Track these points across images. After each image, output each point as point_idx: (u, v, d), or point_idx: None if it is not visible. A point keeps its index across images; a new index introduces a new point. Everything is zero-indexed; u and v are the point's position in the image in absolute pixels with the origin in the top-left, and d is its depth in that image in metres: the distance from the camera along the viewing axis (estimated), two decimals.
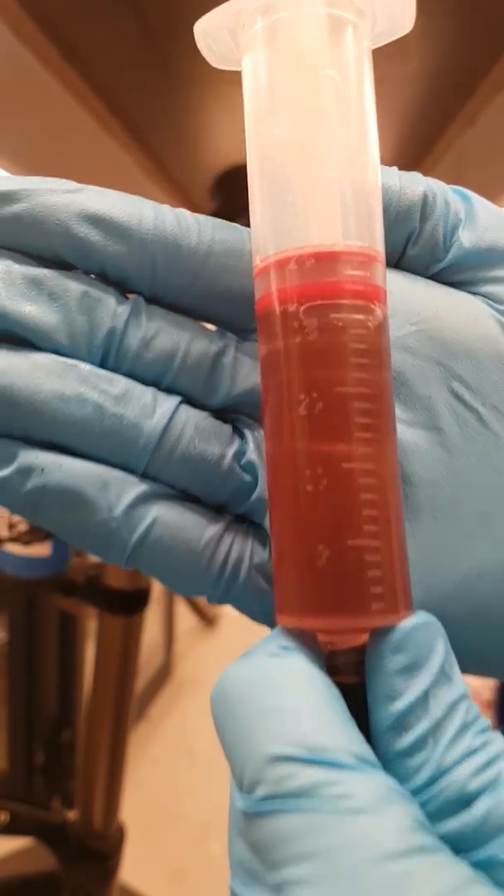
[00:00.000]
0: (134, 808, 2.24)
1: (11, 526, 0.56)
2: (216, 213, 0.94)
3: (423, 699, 0.14)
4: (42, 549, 0.57)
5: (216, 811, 2.12)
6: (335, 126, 0.16)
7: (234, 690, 0.15)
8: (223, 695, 0.15)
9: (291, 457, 0.16)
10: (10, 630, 2.05)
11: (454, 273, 0.20)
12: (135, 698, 0.67)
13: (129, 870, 0.71)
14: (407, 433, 0.18)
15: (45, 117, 1.69)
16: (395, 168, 0.20)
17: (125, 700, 0.65)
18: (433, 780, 0.14)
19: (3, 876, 0.76)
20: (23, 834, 0.70)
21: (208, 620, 3.48)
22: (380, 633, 0.15)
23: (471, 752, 0.14)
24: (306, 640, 0.15)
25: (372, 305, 0.16)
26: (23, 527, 0.56)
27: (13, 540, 0.56)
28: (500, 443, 0.19)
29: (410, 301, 0.19)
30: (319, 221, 0.16)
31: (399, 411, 0.18)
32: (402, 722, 0.14)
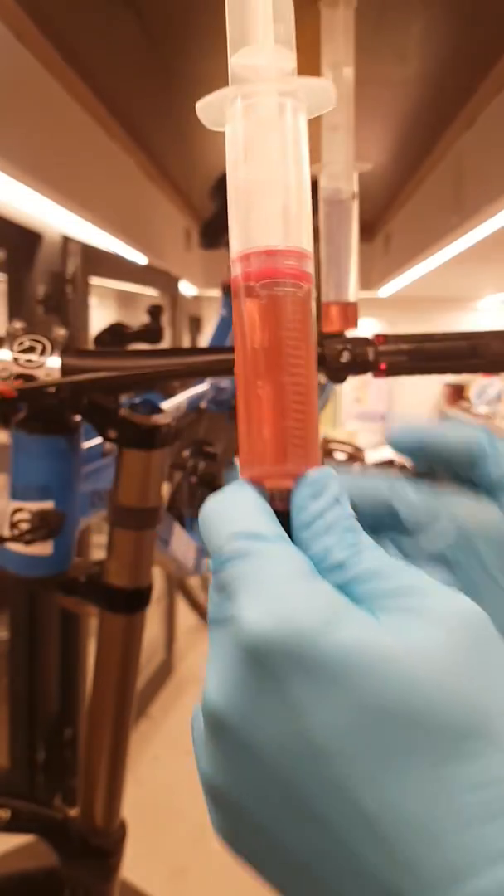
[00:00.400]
0: (135, 806, 2.25)
1: (13, 525, 0.57)
2: (216, 215, 0.94)
3: (319, 512, 0.24)
4: (44, 548, 0.57)
5: None
6: (280, 170, 0.26)
7: (208, 508, 0.25)
8: (203, 512, 0.25)
9: (250, 373, 0.26)
10: (11, 628, 2.06)
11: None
12: (136, 696, 0.67)
13: (130, 867, 0.71)
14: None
15: (48, 120, 1.69)
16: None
17: (126, 698, 0.65)
18: (321, 555, 0.23)
19: (4, 873, 0.77)
20: (24, 831, 0.70)
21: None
22: (299, 478, 0.25)
23: (346, 541, 0.23)
24: (256, 486, 0.25)
25: (301, 283, 0.26)
26: (24, 525, 0.56)
27: (15, 538, 0.56)
28: None
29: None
30: (269, 231, 0.26)
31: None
32: (308, 523, 0.24)
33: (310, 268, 0.26)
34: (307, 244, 0.26)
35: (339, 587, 0.22)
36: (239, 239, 0.26)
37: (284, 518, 0.25)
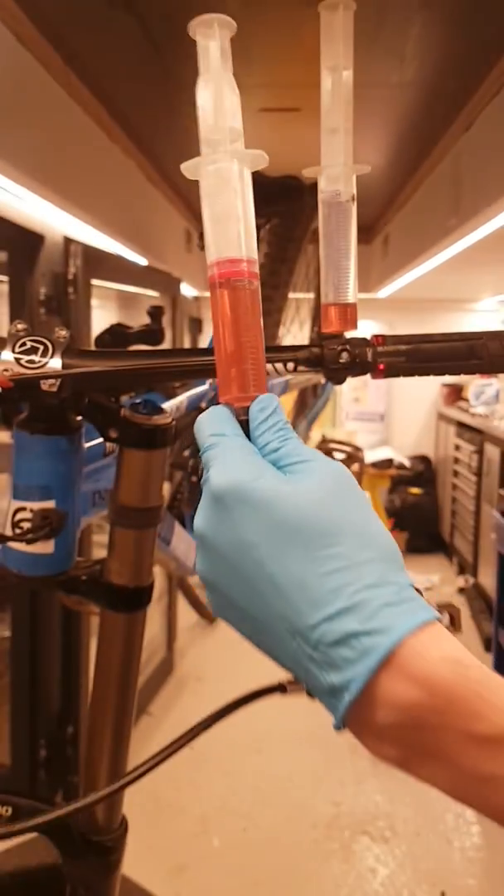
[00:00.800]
0: (135, 803, 2.26)
1: (15, 524, 0.57)
2: None
3: (266, 420, 0.40)
4: (45, 547, 0.58)
5: (216, 806, 2.12)
6: (236, 208, 0.42)
7: (199, 419, 0.41)
8: (196, 422, 0.41)
9: (222, 336, 0.42)
10: (13, 627, 2.06)
11: None
12: (136, 694, 0.67)
13: (130, 863, 0.72)
14: None
15: (50, 123, 1.70)
16: None
17: (127, 696, 0.65)
18: (263, 444, 0.39)
19: (5, 870, 0.77)
20: (26, 829, 0.70)
21: (209, 618, 3.48)
22: (255, 400, 0.41)
23: (277, 436, 0.39)
24: (227, 406, 0.42)
25: (253, 280, 0.42)
26: (26, 525, 0.57)
27: (17, 537, 0.56)
28: None
29: None
30: (231, 245, 0.42)
31: None
32: (259, 428, 0.40)
33: (256, 269, 0.42)
34: (254, 254, 0.42)
35: (272, 462, 0.38)
36: (213, 250, 0.42)
37: (245, 425, 0.41)
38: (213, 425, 0.40)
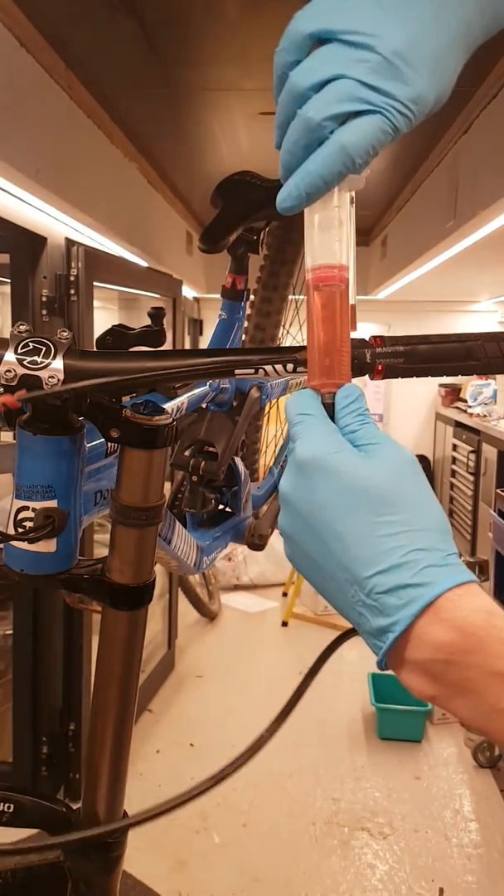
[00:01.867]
0: (136, 799, 2.26)
1: (18, 523, 0.58)
2: (217, 220, 0.94)
3: (349, 405, 0.47)
4: (48, 546, 0.58)
5: (217, 802, 2.13)
6: (335, 220, 0.48)
7: (289, 401, 0.48)
8: (286, 403, 0.48)
9: (313, 331, 0.49)
10: (16, 625, 2.07)
11: None
12: (138, 691, 0.68)
13: (132, 859, 0.73)
14: None
15: (52, 127, 1.71)
16: None
17: (129, 693, 0.66)
18: (344, 426, 0.46)
19: (7, 867, 0.77)
20: (28, 825, 0.71)
21: (209, 616, 3.49)
22: (342, 387, 0.48)
23: (357, 420, 0.46)
24: (315, 390, 0.48)
25: (342, 284, 0.48)
26: (29, 524, 0.57)
27: (19, 536, 0.57)
28: None
29: None
30: (331, 254, 0.48)
31: None
32: (343, 411, 0.46)
33: (347, 274, 0.48)
34: (347, 261, 0.48)
35: (350, 441, 0.44)
36: (314, 257, 0.48)
37: (328, 408, 0.47)
38: (301, 406, 0.46)
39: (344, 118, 0.43)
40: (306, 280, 0.49)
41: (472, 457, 3.88)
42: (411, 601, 0.38)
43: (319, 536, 0.42)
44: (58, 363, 0.54)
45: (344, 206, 0.47)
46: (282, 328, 1.40)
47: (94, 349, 0.63)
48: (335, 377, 0.48)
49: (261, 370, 0.53)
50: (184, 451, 1.10)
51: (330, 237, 0.47)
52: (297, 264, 1.34)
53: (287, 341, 1.48)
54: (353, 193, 0.58)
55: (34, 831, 0.77)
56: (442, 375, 0.57)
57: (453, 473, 4.36)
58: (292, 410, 0.47)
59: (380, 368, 0.56)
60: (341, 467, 0.42)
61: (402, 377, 0.61)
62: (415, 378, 0.62)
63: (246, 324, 1.28)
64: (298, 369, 0.54)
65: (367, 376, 0.59)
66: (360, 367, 0.55)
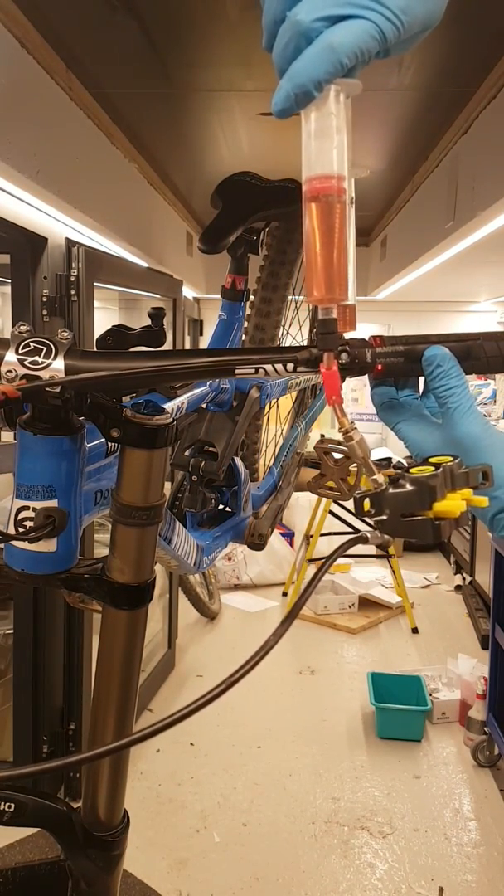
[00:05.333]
0: (137, 798, 2.27)
1: (18, 523, 0.58)
2: (216, 221, 0.95)
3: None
4: (48, 546, 0.59)
5: (217, 801, 2.14)
6: (331, 128, 0.46)
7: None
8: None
9: (311, 240, 0.47)
10: (16, 624, 2.07)
11: None
12: (138, 690, 0.68)
13: (132, 858, 0.73)
14: None
15: (53, 128, 1.71)
16: None
17: (129, 692, 0.66)
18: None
19: (8, 865, 0.77)
20: (28, 825, 0.71)
21: (209, 615, 3.49)
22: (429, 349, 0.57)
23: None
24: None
25: (342, 196, 0.46)
26: (29, 524, 0.58)
27: (20, 536, 0.57)
28: None
29: None
30: (326, 163, 0.46)
31: None
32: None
33: (345, 185, 0.46)
34: (346, 171, 0.46)
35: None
36: (309, 167, 0.46)
37: (335, 339, 0.49)
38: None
39: (333, 22, 0.43)
40: (304, 192, 0.47)
41: None
42: None
43: None
44: (58, 363, 0.54)
45: (340, 114, 0.46)
46: (282, 328, 1.40)
47: (95, 349, 0.63)
48: (335, 293, 0.47)
49: (261, 370, 0.53)
50: (184, 450, 1.10)
51: (326, 145, 0.45)
52: (296, 264, 1.34)
53: (287, 341, 1.48)
54: (353, 194, 0.58)
55: (35, 830, 0.77)
56: None
57: None
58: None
59: (380, 368, 0.57)
60: None
61: (402, 377, 0.62)
62: (415, 378, 0.62)
63: (246, 324, 1.29)
64: (299, 369, 0.54)
65: (366, 376, 0.59)
66: (361, 367, 0.55)
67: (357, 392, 5.12)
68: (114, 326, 0.77)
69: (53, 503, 0.57)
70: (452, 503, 0.47)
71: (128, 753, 0.69)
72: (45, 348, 0.54)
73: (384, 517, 0.49)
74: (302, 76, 0.44)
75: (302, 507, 4.29)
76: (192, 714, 0.47)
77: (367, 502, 0.50)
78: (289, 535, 4.49)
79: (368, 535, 0.52)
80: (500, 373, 0.58)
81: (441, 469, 0.48)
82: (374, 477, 0.51)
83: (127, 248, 2.34)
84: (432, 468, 0.48)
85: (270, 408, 1.43)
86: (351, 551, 3.39)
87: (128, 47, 1.50)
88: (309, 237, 0.47)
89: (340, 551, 0.54)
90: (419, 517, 0.48)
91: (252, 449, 1.38)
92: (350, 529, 3.69)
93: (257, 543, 1.15)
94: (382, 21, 0.43)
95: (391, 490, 0.49)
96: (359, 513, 0.50)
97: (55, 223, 1.89)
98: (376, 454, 4.54)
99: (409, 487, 0.48)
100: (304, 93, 0.44)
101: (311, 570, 4.05)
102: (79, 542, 0.62)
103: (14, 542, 0.58)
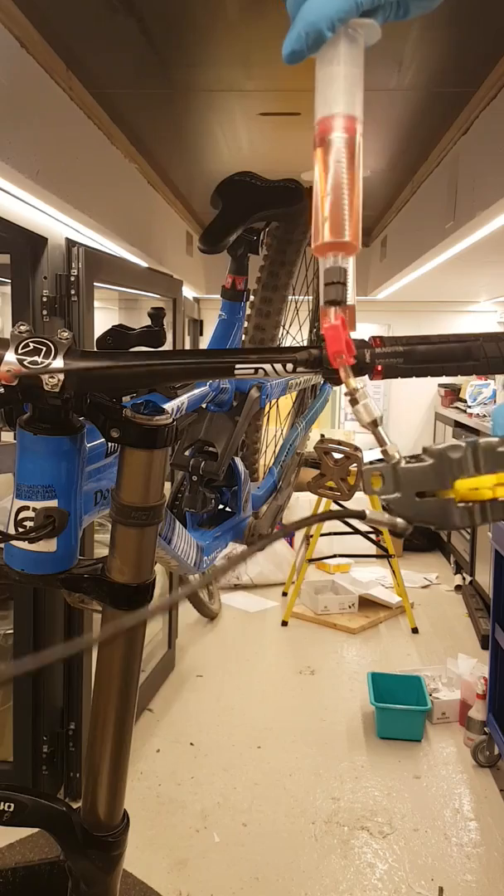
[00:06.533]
0: (136, 799, 2.27)
1: (18, 523, 0.58)
2: (217, 221, 0.95)
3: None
4: (48, 546, 0.59)
5: (217, 801, 2.14)
6: (346, 71, 0.45)
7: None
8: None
9: (321, 181, 0.45)
10: (16, 624, 2.07)
11: None
12: (138, 691, 0.68)
13: (132, 858, 0.73)
14: None
15: (53, 128, 1.72)
16: None
17: (129, 693, 0.66)
18: None
19: (8, 865, 0.78)
20: (29, 824, 0.71)
21: (209, 615, 3.49)
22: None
23: None
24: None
25: (355, 135, 0.44)
26: (29, 524, 0.58)
27: (20, 536, 0.57)
28: None
29: None
30: (336, 103, 0.45)
31: None
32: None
33: (356, 125, 0.44)
34: (357, 111, 0.45)
35: None
36: (320, 109, 0.45)
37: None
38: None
39: None
40: (314, 134, 0.46)
41: None
42: None
43: None
44: (58, 363, 0.54)
45: (355, 57, 0.44)
46: (282, 328, 1.40)
47: (95, 349, 0.63)
48: (342, 236, 0.44)
49: (261, 370, 0.53)
50: (184, 451, 1.10)
51: (337, 86, 0.44)
52: (296, 265, 1.34)
53: (287, 341, 1.48)
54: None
55: (35, 830, 0.77)
56: (441, 375, 0.57)
57: None
58: None
59: (379, 368, 0.57)
60: None
61: (402, 377, 0.61)
62: (414, 378, 0.62)
63: (246, 324, 1.29)
64: (299, 369, 0.54)
65: (366, 376, 0.59)
66: (360, 367, 0.55)
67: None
68: (114, 326, 0.77)
69: (53, 503, 0.58)
70: (480, 482, 0.40)
71: (127, 753, 0.69)
72: (44, 348, 0.54)
73: (397, 495, 0.42)
74: (314, 14, 0.42)
75: (302, 507, 4.29)
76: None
77: (376, 477, 0.43)
78: (289, 535, 4.49)
79: (368, 512, 0.46)
80: (501, 373, 0.57)
81: (469, 443, 0.41)
82: (385, 448, 0.44)
83: (127, 248, 2.34)
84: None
85: (270, 408, 1.43)
86: (350, 551, 3.37)
87: (128, 47, 1.50)
88: (319, 178, 0.45)
89: (330, 517, 0.50)
90: (438, 497, 0.41)
91: (252, 449, 1.38)
92: (350, 529, 3.69)
93: None
94: None
95: (405, 464, 0.42)
96: (367, 489, 0.44)
97: (55, 223, 1.89)
98: (376, 454, 4.54)
99: (426, 461, 0.42)
100: (316, 33, 0.42)
101: (311, 570, 4.05)
102: (79, 542, 0.62)
103: (14, 543, 0.58)
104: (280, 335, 1.41)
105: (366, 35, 0.44)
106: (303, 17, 0.42)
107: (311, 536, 3.63)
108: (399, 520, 0.42)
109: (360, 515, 0.46)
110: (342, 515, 0.49)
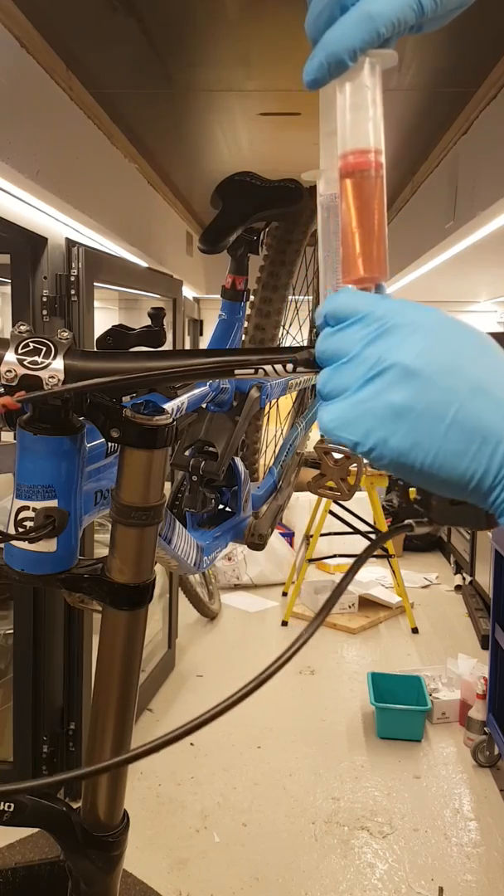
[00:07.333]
0: (136, 799, 2.27)
1: (18, 523, 0.58)
2: (216, 221, 0.95)
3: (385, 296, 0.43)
4: (48, 546, 0.59)
5: (217, 801, 2.14)
6: (366, 100, 0.44)
7: (339, 300, 0.43)
8: (335, 305, 0.43)
9: (348, 218, 0.45)
10: (16, 624, 2.07)
11: None
12: (138, 691, 0.68)
13: (132, 858, 0.73)
14: None
15: (53, 128, 1.72)
16: None
17: (129, 693, 0.66)
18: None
19: (8, 865, 0.78)
20: (28, 825, 0.71)
21: (209, 615, 3.49)
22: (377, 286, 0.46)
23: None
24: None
25: (380, 170, 0.44)
26: (29, 524, 0.58)
27: (20, 536, 0.57)
28: None
29: None
30: (362, 138, 0.44)
31: None
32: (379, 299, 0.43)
33: (383, 159, 0.44)
34: (382, 145, 0.44)
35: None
36: (344, 142, 0.44)
37: None
38: (364, 297, 0.42)
39: None
40: (339, 168, 0.45)
41: None
42: None
43: (468, 393, 0.37)
44: (58, 363, 0.54)
45: (376, 86, 0.44)
46: (282, 328, 1.40)
47: (95, 349, 0.63)
48: (375, 272, 0.45)
49: (261, 370, 0.53)
50: (184, 451, 1.10)
51: (362, 118, 0.44)
52: (296, 265, 1.34)
53: (287, 341, 1.48)
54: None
55: (35, 830, 0.77)
56: None
57: None
58: (354, 304, 0.42)
59: None
60: (470, 325, 0.40)
61: None
62: None
63: (246, 324, 1.29)
64: (299, 369, 0.54)
65: None
66: None
67: None
68: (114, 326, 0.77)
69: (53, 503, 0.58)
70: None
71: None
72: (44, 348, 0.54)
73: (433, 503, 0.46)
74: (336, 44, 0.42)
75: (302, 507, 4.29)
76: (197, 729, 0.46)
77: (413, 489, 0.48)
78: (289, 535, 4.49)
79: (413, 523, 0.49)
80: None
81: None
82: None
83: (127, 248, 2.34)
84: None
85: (270, 408, 1.43)
86: (350, 551, 3.37)
87: (128, 47, 1.50)
88: (345, 215, 0.45)
89: (386, 538, 0.53)
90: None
91: (252, 449, 1.38)
92: (350, 529, 3.69)
93: (257, 543, 1.15)
94: None
95: None
96: (405, 502, 0.48)
97: (55, 223, 1.89)
98: None
99: None
100: (337, 62, 0.42)
101: (311, 570, 4.06)
102: (79, 542, 0.62)
103: (14, 542, 0.58)
104: (280, 335, 1.41)
105: (384, 60, 0.44)
106: (324, 45, 0.42)
107: (311, 536, 3.63)
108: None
109: (409, 528, 0.51)
110: (393, 534, 0.52)
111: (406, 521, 0.50)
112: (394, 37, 0.42)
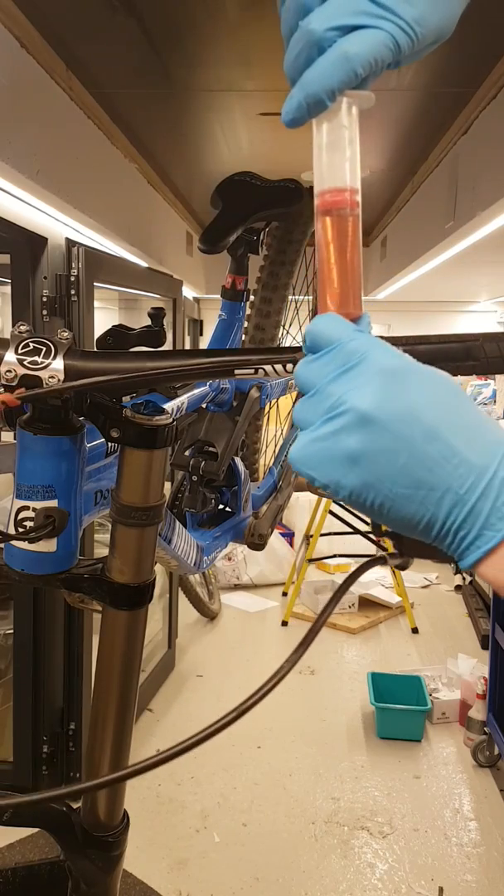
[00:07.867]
0: (136, 798, 2.27)
1: (18, 523, 0.58)
2: (216, 221, 0.94)
3: (369, 324, 0.45)
4: (48, 546, 0.59)
5: (217, 801, 2.14)
6: (343, 140, 0.45)
7: (317, 326, 0.42)
8: (314, 331, 0.43)
9: (324, 255, 0.46)
10: (16, 624, 2.07)
11: None
12: (138, 691, 0.68)
13: (132, 858, 0.73)
14: None
15: (53, 128, 1.72)
16: None
17: (129, 692, 0.66)
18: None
19: (8, 865, 0.77)
20: (28, 825, 0.71)
21: (209, 615, 3.49)
22: (363, 317, 0.45)
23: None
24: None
25: (355, 209, 0.45)
26: (29, 524, 0.58)
27: (20, 536, 0.57)
28: None
29: None
30: (338, 176, 0.45)
31: None
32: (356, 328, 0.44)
33: (359, 198, 0.45)
34: (358, 184, 0.45)
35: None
36: (321, 180, 0.45)
37: None
38: (339, 324, 0.43)
39: (346, 31, 0.42)
40: (317, 206, 0.46)
41: None
42: None
43: (420, 442, 0.38)
44: (58, 363, 0.54)
45: (353, 126, 0.45)
46: (281, 328, 1.40)
47: (95, 349, 0.63)
48: (349, 308, 0.46)
49: (261, 370, 0.53)
50: (184, 451, 1.10)
51: (338, 158, 0.45)
52: (296, 265, 1.34)
53: (287, 341, 1.48)
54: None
55: (35, 830, 0.77)
56: None
57: None
58: (329, 332, 0.42)
59: None
60: (435, 372, 0.40)
61: None
62: None
63: (246, 324, 1.29)
64: None
65: None
66: None
67: None
68: (114, 326, 0.77)
69: (53, 503, 0.58)
70: None
71: (127, 753, 0.69)
72: (44, 348, 0.54)
73: (403, 537, 0.47)
74: (314, 85, 0.43)
75: (302, 507, 4.29)
76: (201, 743, 0.47)
77: None
78: (289, 535, 4.49)
79: (387, 556, 0.50)
80: (501, 373, 0.57)
81: None
82: None
83: (127, 248, 2.34)
84: None
85: (270, 408, 1.43)
86: (350, 551, 3.37)
87: (128, 47, 1.50)
88: (322, 251, 0.46)
89: (356, 575, 0.54)
90: None
91: (252, 449, 1.38)
92: (350, 529, 3.69)
93: (257, 543, 1.15)
94: (397, 31, 0.42)
95: None
96: (376, 532, 0.48)
97: (55, 223, 1.89)
98: None
99: None
100: (316, 102, 0.43)
101: (311, 570, 4.05)
102: (79, 542, 0.62)
103: (14, 542, 0.58)
104: (280, 335, 1.41)
105: (360, 101, 0.45)
106: (302, 86, 0.43)
107: (311, 536, 3.63)
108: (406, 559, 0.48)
109: (381, 561, 0.50)
110: (363, 570, 0.53)
111: (380, 554, 0.52)
112: (371, 76, 0.43)
